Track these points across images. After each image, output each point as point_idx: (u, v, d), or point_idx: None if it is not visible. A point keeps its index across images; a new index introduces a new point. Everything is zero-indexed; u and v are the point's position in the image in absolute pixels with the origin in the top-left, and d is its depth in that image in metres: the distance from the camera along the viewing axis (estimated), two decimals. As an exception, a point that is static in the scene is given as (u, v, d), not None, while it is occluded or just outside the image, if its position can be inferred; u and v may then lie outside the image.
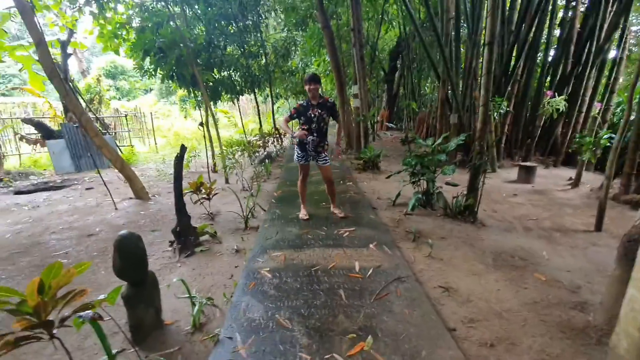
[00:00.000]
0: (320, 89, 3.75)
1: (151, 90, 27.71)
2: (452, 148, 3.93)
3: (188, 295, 2.13)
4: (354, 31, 8.00)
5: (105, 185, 4.95)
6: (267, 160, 7.67)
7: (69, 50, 9.20)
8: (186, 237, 3.20)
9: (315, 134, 3.62)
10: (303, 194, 3.97)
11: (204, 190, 3.93)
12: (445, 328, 1.95)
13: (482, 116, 3.64)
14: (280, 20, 11.74)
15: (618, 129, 3.50)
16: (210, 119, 6.41)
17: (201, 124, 6.45)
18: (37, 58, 4.81)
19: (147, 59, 6.01)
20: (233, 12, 7.89)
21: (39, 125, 8.76)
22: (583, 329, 1.99)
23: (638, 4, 5.68)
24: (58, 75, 4.49)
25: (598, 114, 6.55)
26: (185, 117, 18.02)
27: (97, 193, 5.82)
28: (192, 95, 7.18)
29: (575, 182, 5.36)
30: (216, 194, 4.28)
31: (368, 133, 9.10)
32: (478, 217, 3.81)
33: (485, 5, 6.39)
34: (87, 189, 6.22)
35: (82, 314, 1.44)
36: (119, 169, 5.04)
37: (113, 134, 11.09)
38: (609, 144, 4.68)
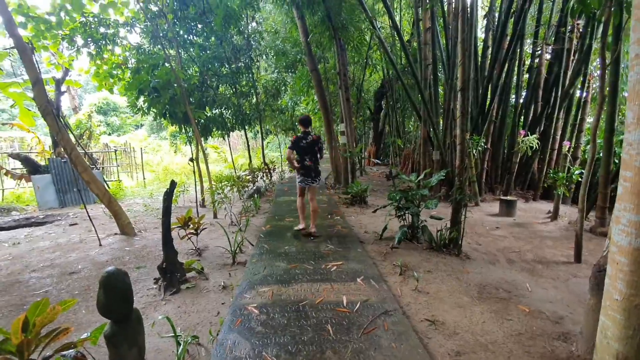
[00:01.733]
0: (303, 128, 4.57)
1: (142, 125, 28.03)
2: (433, 183, 4.11)
3: (173, 334, 2.08)
4: (340, 75, 8.54)
5: (91, 220, 4.87)
6: (256, 195, 7.71)
7: (63, 88, 9.41)
8: (172, 274, 3.15)
9: None
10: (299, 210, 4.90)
11: (192, 225, 3.92)
12: (432, 362, 1.96)
13: (460, 154, 3.88)
14: (271, 62, 12.38)
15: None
16: (200, 154, 6.52)
17: (191, 160, 6.54)
18: (31, 95, 4.92)
19: (141, 98, 6.21)
20: (226, 55, 8.33)
21: (26, 160, 8.69)
22: (567, 359, 2.03)
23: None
24: (52, 113, 4.58)
25: (568, 151, 6.99)
26: (175, 152, 18.17)
27: (81, 229, 5.70)
28: (184, 131, 7.35)
29: (554, 215, 5.57)
30: (204, 228, 4.28)
31: (355, 168, 9.35)
32: (462, 250, 3.90)
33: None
34: (70, 224, 6.08)
35: (64, 353, 1.43)
36: (106, 204, 5.00)
37: (101, 168, 11.04)
38: (580, 179, 4.97)
